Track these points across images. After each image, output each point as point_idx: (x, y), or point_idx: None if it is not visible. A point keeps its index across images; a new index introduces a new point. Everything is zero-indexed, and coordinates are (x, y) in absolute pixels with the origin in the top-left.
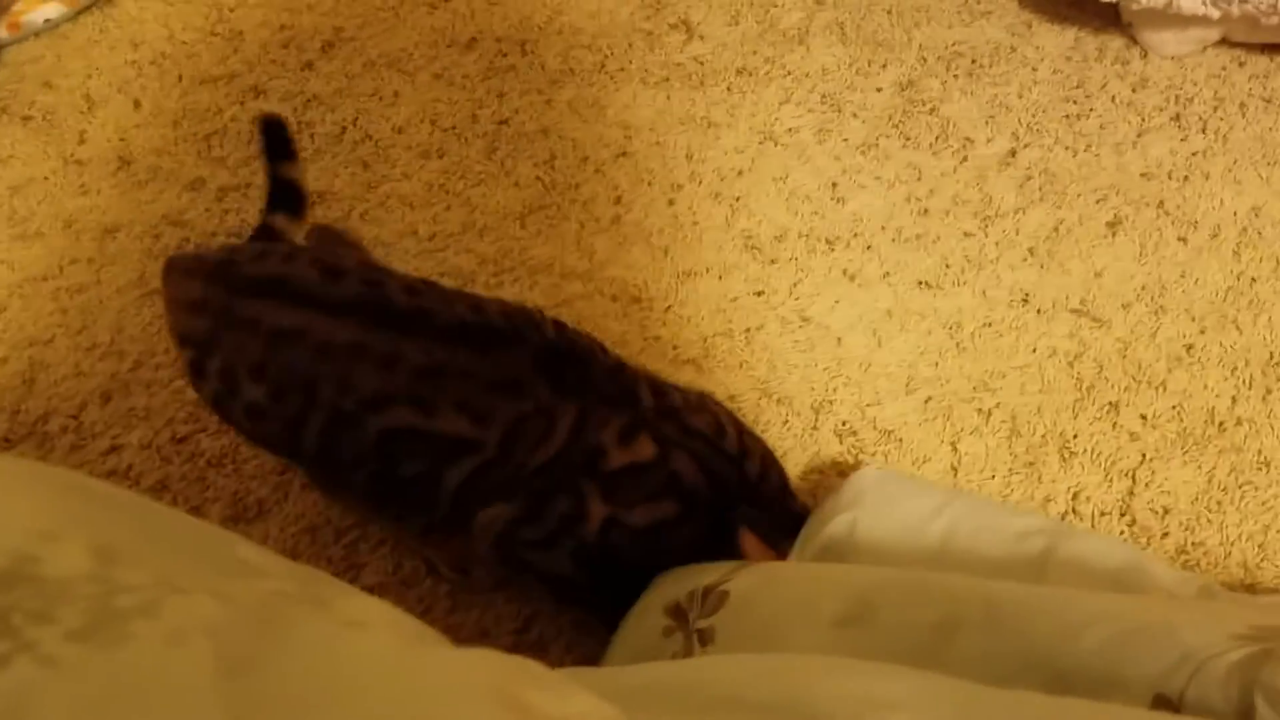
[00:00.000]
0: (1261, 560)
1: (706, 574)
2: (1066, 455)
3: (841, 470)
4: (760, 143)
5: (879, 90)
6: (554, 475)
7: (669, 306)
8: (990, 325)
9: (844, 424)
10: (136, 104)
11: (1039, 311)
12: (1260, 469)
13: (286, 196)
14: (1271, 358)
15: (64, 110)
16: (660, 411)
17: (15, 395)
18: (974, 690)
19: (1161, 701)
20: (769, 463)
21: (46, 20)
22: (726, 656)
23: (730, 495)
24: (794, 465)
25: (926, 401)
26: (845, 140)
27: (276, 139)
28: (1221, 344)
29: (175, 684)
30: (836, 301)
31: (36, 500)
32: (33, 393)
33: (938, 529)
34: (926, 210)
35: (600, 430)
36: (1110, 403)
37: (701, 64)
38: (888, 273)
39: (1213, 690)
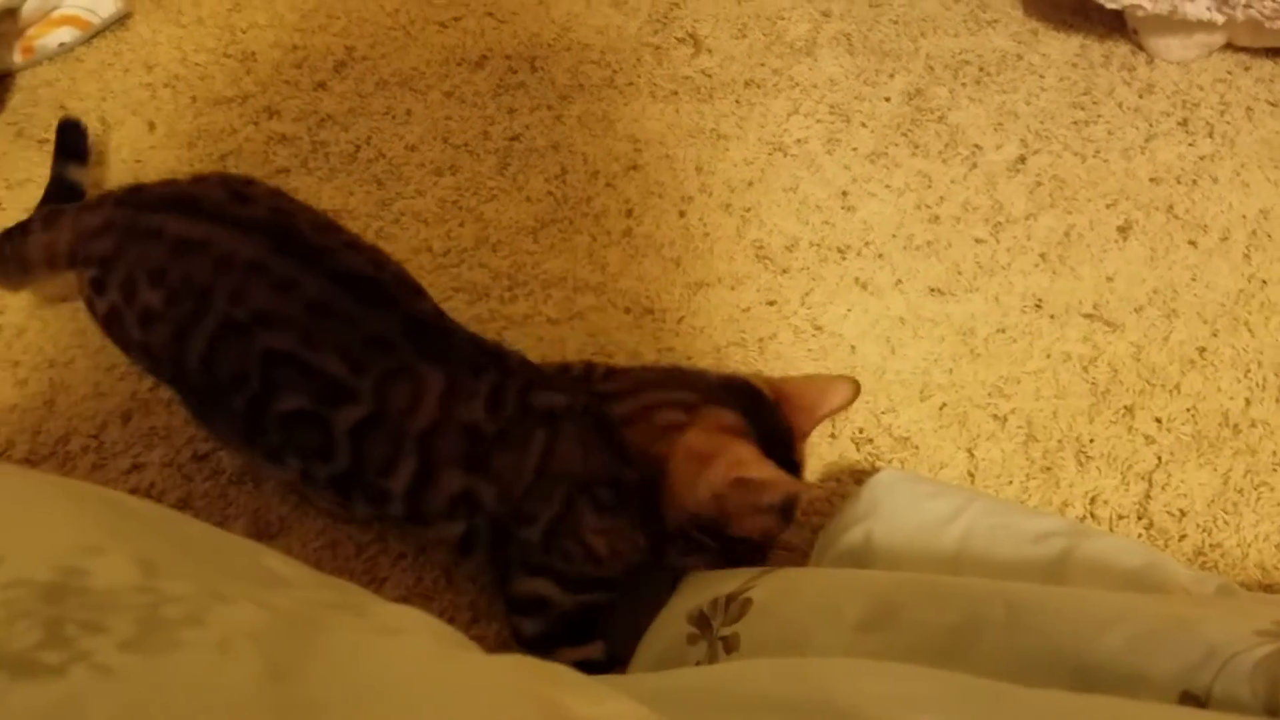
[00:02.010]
0: (1279, 562)
1: (729, 581)
2: (1083, 459)
3: (858, 477)
4: (769, 154)
5: (887, 99)
6: (440, 450)
7: (681, 318)
8: (1003, 331)
9: (860, 431)
10: (151, 126)
11: (1052, 317)
12: (1275, 470)
13: (66, 196)
14: None
15: None
16: (524, 369)
17: (36, 416)
18: (1001, 689)
19: (1188, 698)
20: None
21: (60, 44)
22: (753, 661)
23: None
24: (811, 473)
25: (941, 408)
26: (854, 149)
27: (70, 140)
28: (1234, 346)
29: (226, 690)
30: (849, 310)
31: (77, 515)
32: (53, 413)
33: (955, 533)
34: (937, 217)
35: (470, 402)
36: (1125, 406)
37: (709, 77)
38: (900, 280)
39: (1239, 686)
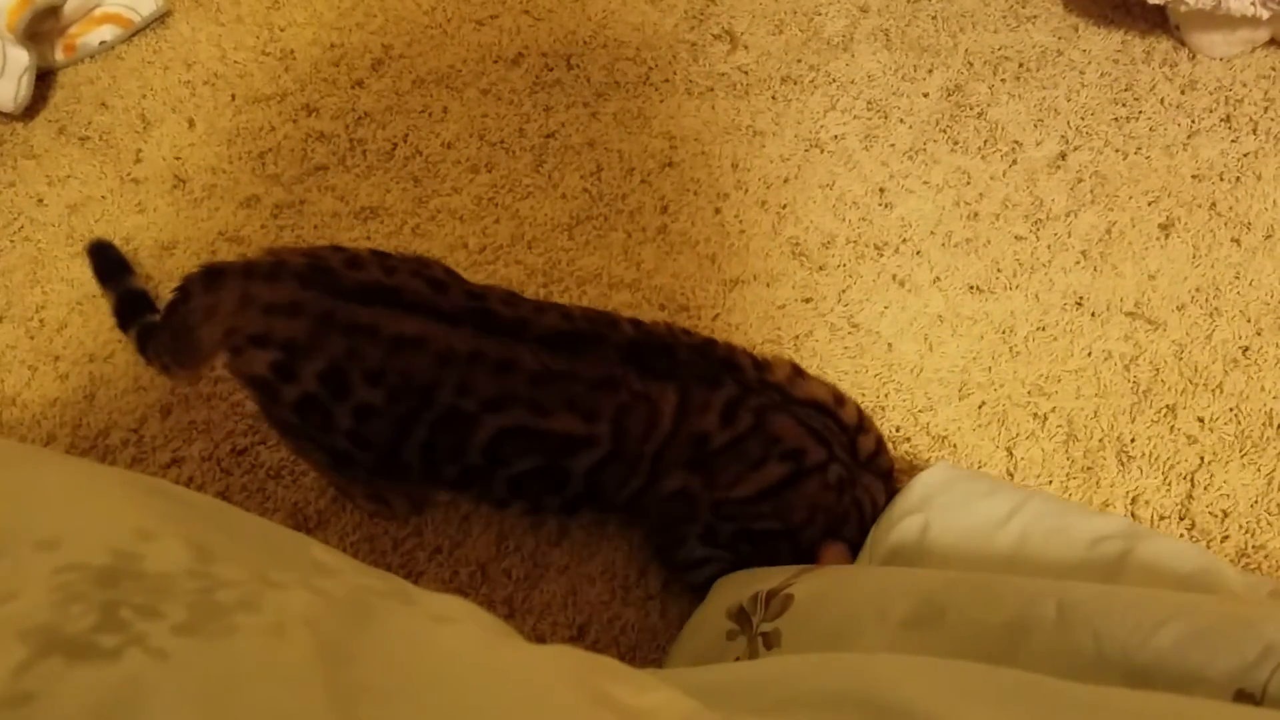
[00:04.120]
0: None
1: (769, 578)
2: (1124, 459)
3: (898, 478)
4: (806, 150)
5: (925, 95)
6: (667, 462)
7: (717, 315)
8: (1044, 329)
9: (897, 430)
10: (191, 123)
11: (1093, 315)
12: None
13: (140, 305)
14: None
15: (120, 130)
16: (763, 383)
17: (77, 410)
18: (1054, 684)
19: (1243, 696)
20: (883, 448)
21: (102, 42)
22: (798, 656)
23: (845, 453)
24: None
25: (980, 406)
26: (892, 146)
27: (106, 262)
28: (1278, 346)
29: (282, 673)
30: (886, 307)
31: (129, 501)
32: (93, 407)
33: (1011, 533)
34: (976, 214)
35: (702, 414)
36: (1167, 405)
37: (746, 73)
38: (938, 277)
39: None
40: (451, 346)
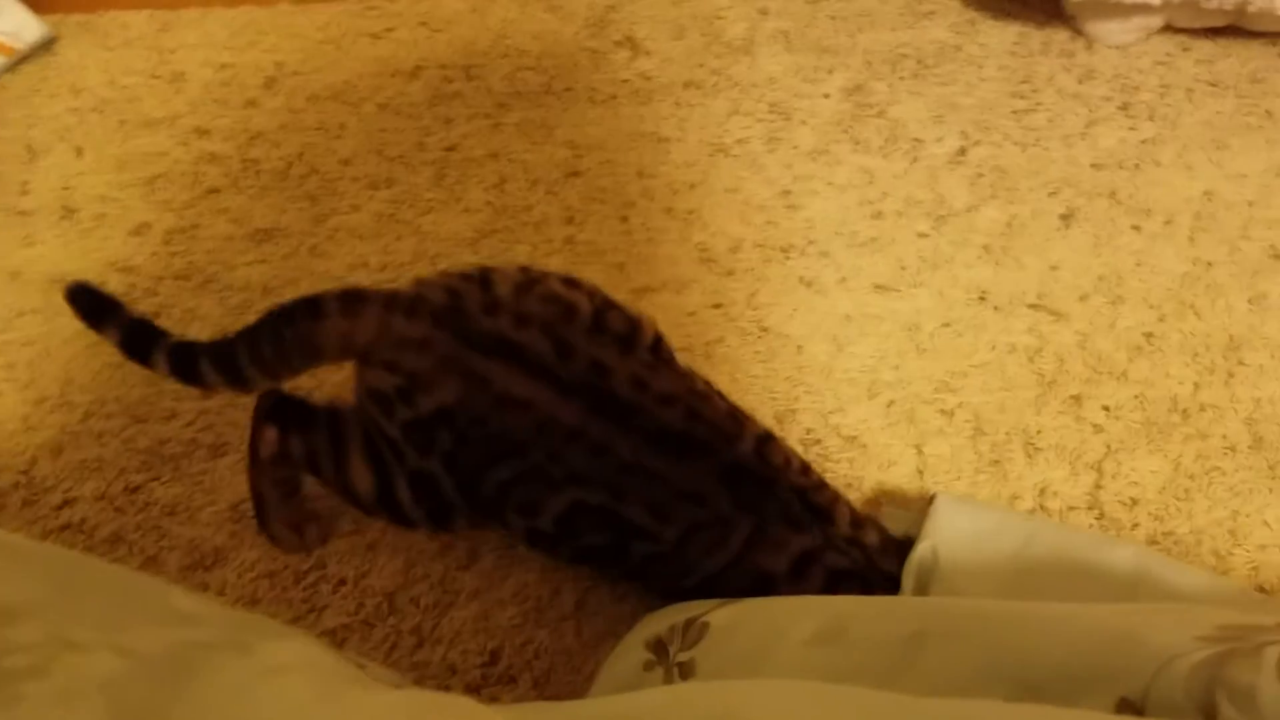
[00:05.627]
0: (1233, 547)
1: (691, 609)
2: (1031, 451)
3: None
4: (711, 155)
5: (826, 96)
6: (726, 583)
7: None
8: (949, 325)
9: (808, 432)
10: (79, 151)
11: (996, 308)
12: (1227, 454)
13: (149, 335)
14: (1231, 341)
15: (5, 162)
16: (852, 542)
17: None
18: (903, 701)
19: (1126, 705)
20: None
21: None
22: (667, 687)
23: None
24: None
25: (889, 405)
26: (795, 148)
27: (89, 303)
28: (1181, 330)
29: None
30: (795, 310)
31: None
32: None
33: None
34: (880, 213)
35: (775, 553)
36: (1072, 396)
37: (648, 79)
38: (844, 278)
39: (1176, 691)
40: (555, 417)
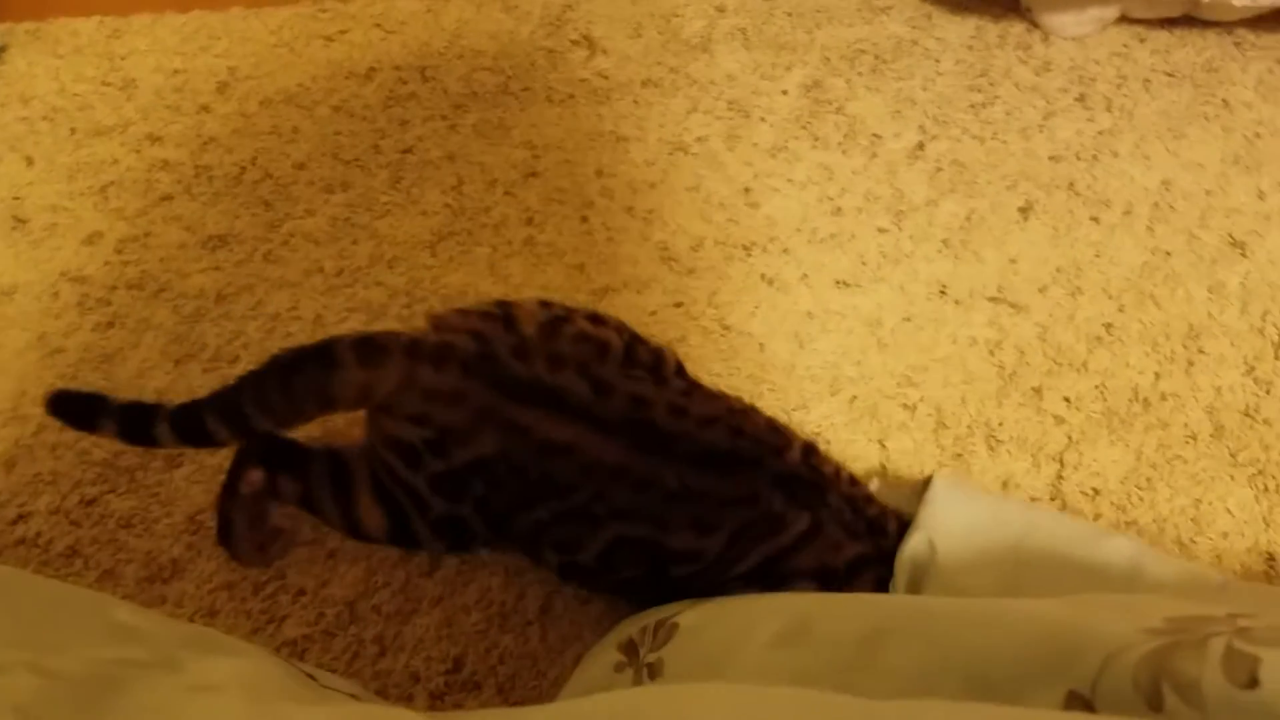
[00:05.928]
0: (1195, 535)
1: (662, 610)
2: (993, 444)
3: None
4: (670, 153)
5: (785, 93)
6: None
7: None
8: (910, 320)
9: None
10: (29, 161)
11: (957, 302)
12: (1188, 442)
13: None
14: (1191, 330)
15: None
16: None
17: None
18: (850, 703)
19: (1074, 697)
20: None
21: None
22: (620, 691)
23: None
24: None
25: (852, 401)
26: (755, 145)
27: (76, 409)
28: (1141, 320)
29: None
30: (756, 307)
31: None
32: None
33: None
34: (840, 209)
35: (834, 553)
36: (1033, 388)
37: (606, 78)
38: (805, 274)
39: (1123, 684)
40: (599, 459)
